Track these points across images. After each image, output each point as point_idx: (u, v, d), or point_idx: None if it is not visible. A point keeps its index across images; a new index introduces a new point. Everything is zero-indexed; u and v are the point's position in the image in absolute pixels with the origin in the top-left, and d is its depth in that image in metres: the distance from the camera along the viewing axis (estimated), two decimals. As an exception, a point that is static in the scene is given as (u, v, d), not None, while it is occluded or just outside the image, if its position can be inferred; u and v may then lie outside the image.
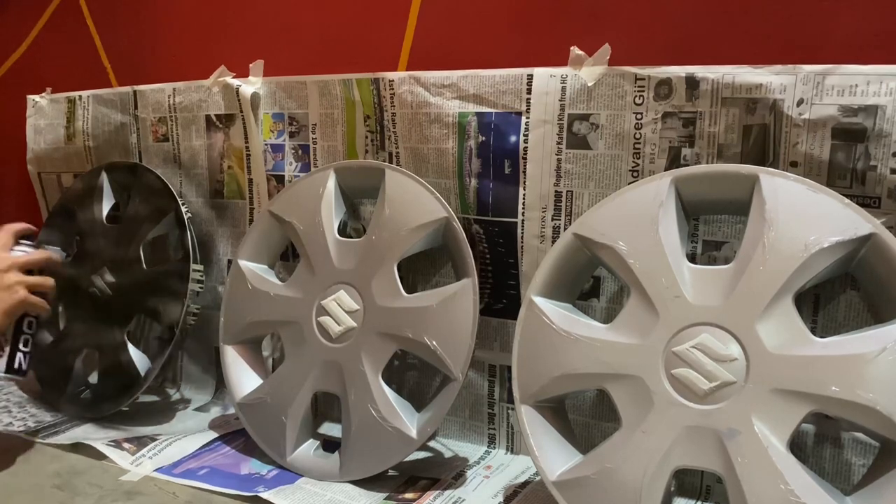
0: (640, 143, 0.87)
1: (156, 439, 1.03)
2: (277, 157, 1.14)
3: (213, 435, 1.06)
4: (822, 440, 0.82)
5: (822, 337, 0.69)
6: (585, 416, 0.95)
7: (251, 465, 0.98)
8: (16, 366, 1.00)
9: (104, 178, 1.24)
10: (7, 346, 0.99)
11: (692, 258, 0.85)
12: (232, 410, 1.09)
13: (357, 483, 0.91)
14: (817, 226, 0.69)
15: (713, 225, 0.86)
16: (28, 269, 0.97)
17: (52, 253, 1.01)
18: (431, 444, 1.03)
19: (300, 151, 1.12)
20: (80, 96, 1.34)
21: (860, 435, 0.80)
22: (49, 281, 0.99)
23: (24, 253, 0.98)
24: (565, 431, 0.84)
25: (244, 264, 1.06)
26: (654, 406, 0.73)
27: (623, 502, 0.73)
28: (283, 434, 0.97)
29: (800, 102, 0.78)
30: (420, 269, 1.03)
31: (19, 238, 1.00)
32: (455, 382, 0.88)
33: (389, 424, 0.90)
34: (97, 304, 1.17)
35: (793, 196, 0.71)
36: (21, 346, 1.00)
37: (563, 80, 0.90)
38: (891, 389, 0.64)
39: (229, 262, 1.16)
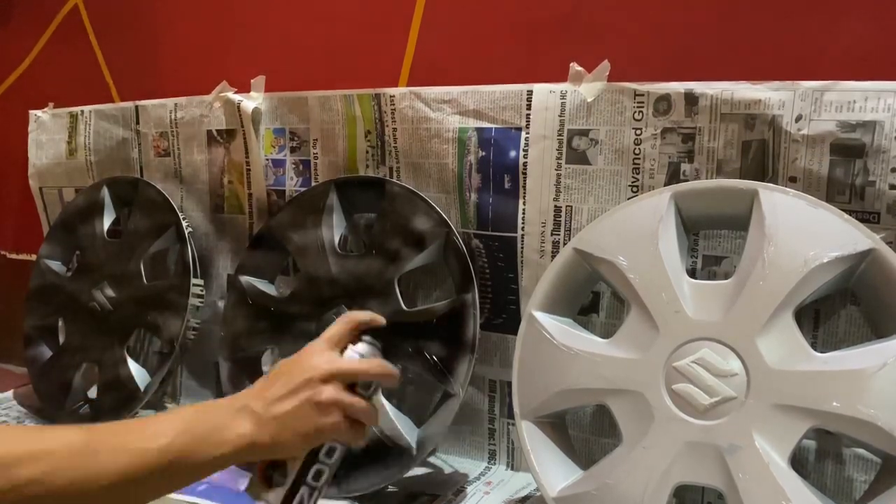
0: (639, 159, 0.87)
1: (155, 454, 1.02)
2: (278, 171, 1.14)
3: (213, 450, 1.06)
4: (823, 456, 0.82)
5: (822, 352, 0.69)
6: (586, 431, 0.95)
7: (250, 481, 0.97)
8: (295, 502, 0.68)
9: (105, 192, 1.25)
10: (290, 475, 0.68)
11: (692, 273, 0.85)
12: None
13: (356, 499, 0.91)
14: (817, 241, 0.70)
15: (713, 240, 0.86)
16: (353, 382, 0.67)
17: (392, 368, 0.69)
18: (431, 459, 1.03)
19: (301, 166, 1.12)
20: (82, 111, 1.35)
21: (862, 451, 0.79)
22: (372, 411, 0.67)
23: (358, 357, 0.68)
24: (566, 447, 0.84)
25: (245, 279, 1.06)
26: (655, 421, 0.72)
27: (624, 519, 0.72)
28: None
29: (798, 118, 0.78)
30: (420, 284, 1.03)
31: (362, 333, 0.70)
32: (455, 398, 0.88)
33: (389, 440, 0.90)
34: (97, 319, 1.17)
35: (792, 211, 0.71)
36: (310, 479, 0.68)
37: (563, 96, 0.90)
38: (892, 405, 0.64)
39: (229, 276, 1.16)
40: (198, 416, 0.61)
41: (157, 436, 0.58)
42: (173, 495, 0.91)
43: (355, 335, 0.69)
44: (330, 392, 0.64)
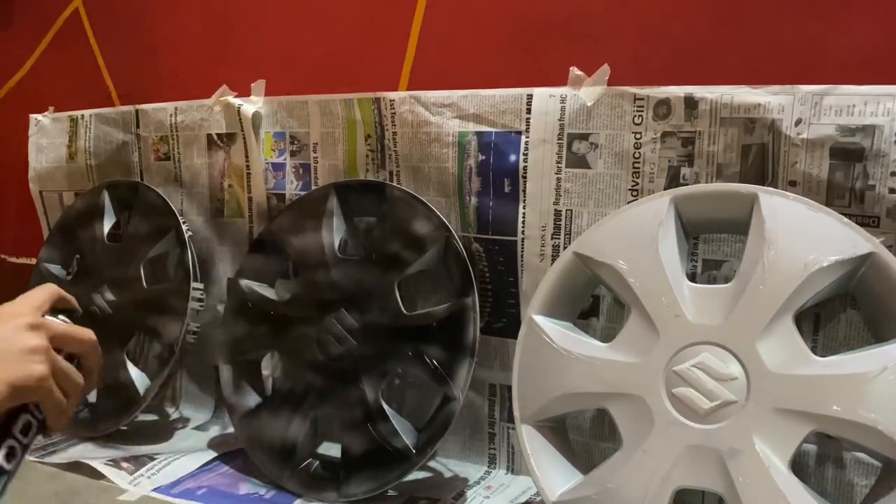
0: (639, 163, 0.88)
1: (154, 458, 1.02)
2: (279, 175, 1.14)
3: (212, 454, 1.06)
4: (823, 460, 0.82)
5: (822, 356, 0.69)
6: (586, 435, 0.95)
7: (250, 486, 0.97)
8: (1, 457, 0.58)
9: (105, 196, 1.25)
10: None
11: (692, 277, 0.86)
12: (231, 430, 1.08)
13: (356, 503, 0.91)
14: (817, 245, 0.70)
15: (713, 244, 0.86)
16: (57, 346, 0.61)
17: (94, 338, 0.65)
18: (431, 464, 1.03)
19: (301, 170, 1.12)
20: (83, 115, 1.35)
21: (862, 455, 0.79)
22: (79, 377, 0.62)
23: (64, 322, 0.64)
24: (566, 451, 0.84)
25: (245, 283, 1.06)
26: (655, 425, 0.72)
27: (624, 523, 0.72)
28: (283, 453, 0.96)
29: (798, 122, 0.78)
30: (420, 287, 1.03)
31: (57, 306, 0.65)
32: (455, 401, 0.88)
33: (389, 444, 0.90)
34: (97, 322, 1.16)
35: (792, 215, 0.71)
36: (18, 433, 0.59)
37: (563, 100, 0.90)
38: (892, 409, 0.64)
39: (229, 280, 1.16)
40: None
41: None
42: (173, 499, 0.91)
43: (52, 307, 0.64)
44: (39, 339, 0.58)
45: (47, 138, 1.41)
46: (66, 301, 0.66)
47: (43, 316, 0.61)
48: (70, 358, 0.62)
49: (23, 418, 0.59)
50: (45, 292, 0.64)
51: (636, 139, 0.87)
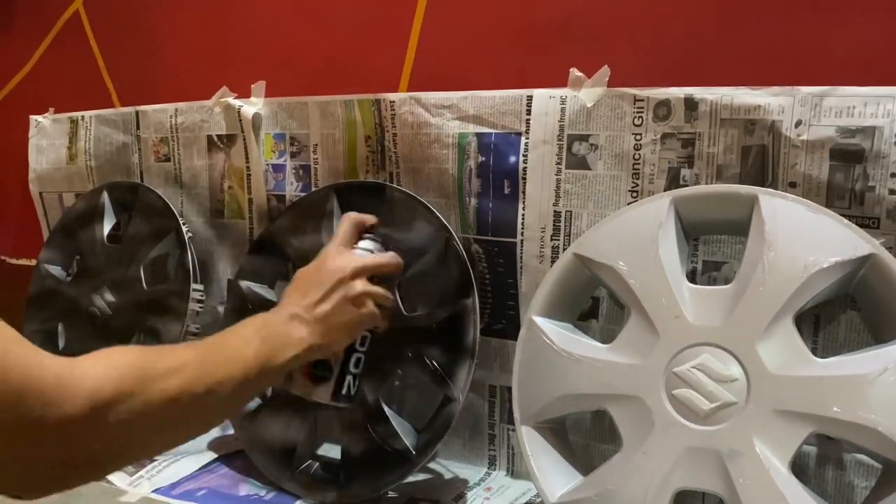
0: (639, 164, 0.88)
1: (154, 460, 1.02)
2: (279, 176, 1.14)
3: (212, 456, 1.06)
4: (824, 461, 0.82)
5: (822, 357, 0.68)
6: (586, 437, 0.95)
7: (249, 487, 0.97)
8: (344, 391, 0.80)
9: (105, 197, 1.25)
10: (335, 368, 0.80)
11: (692, 278, 0.85)
12: (231, 431, 1.08)
13: (356, 504, 0.91)
14: (817, 246, 0.69)
15: (713, 245, 0.86)
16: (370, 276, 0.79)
17: (398, 258, 0.83)
18: (431, 465, 1.03)
19: (301, 171, 1.12)
20: (83, 116, 1.35)
21: (862, 456, 0.79)
22: (389, 294, 0.80)
23: (369, 253, 0.81)
24: (566, 452, 0.84)
25: (245, 284, 1.06)
26: (655, 427, 0.72)
27: (624, 524, 0.72)
28: (283, 455, 0.96)
29: (798, 123, 0.78)
30: (420, 289, 1.03)
31: (363, 232, 0.83)
32: (455, 403, 0.88)
33: (389, 445, 0.90)
34: (97, 324, 1.16)
35: (792, 216, 0.71)
36: (352, 367, 0.81)
37: (563, 102, 0.90)
38: (892, 410, 0.64)
39: (229, 281, 1.16)
40: (265, 326, 0.70)
41: (247, 344, 0.65)
42: (173, 501, 0.92)
43: (360, 234, 0.82)
44: (360, 286, 0.76)
45: (47, 139, 1.41)
46: (370, 222, 0.84)
47: (354, 247, 0.80)
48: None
49: (354, 357, 0.81)
50: (348, 228, 0.81)
51: (636, 140, 0.87)
